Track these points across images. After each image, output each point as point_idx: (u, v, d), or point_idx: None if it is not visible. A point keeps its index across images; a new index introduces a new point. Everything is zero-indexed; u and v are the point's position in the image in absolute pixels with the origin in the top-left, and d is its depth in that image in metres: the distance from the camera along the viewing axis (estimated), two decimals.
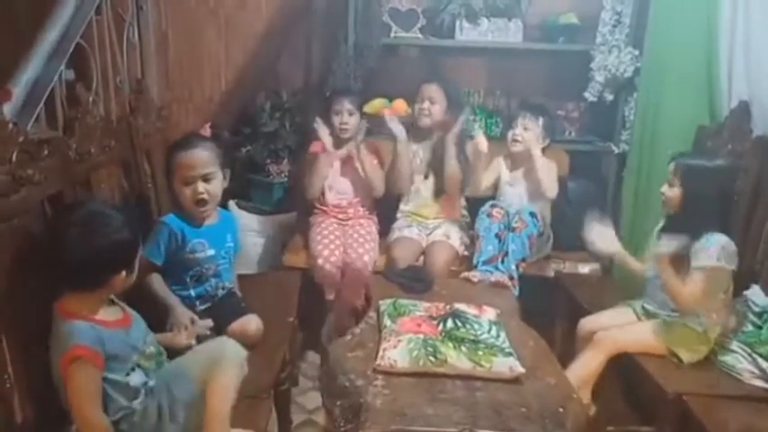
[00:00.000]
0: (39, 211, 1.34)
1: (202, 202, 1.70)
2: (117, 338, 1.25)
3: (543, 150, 2.49)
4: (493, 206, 2.46)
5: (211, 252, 1.76)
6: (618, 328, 1.87)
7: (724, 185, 1.81)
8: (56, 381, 1.22)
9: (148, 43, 2.73)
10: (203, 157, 1.69)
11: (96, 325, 1.23)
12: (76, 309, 1.22)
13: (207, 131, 2.14)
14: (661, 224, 1.95)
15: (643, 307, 1.96)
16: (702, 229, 1.75)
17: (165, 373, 1.35)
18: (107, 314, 1.27)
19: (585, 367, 1.85)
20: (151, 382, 1.31)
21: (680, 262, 1.77)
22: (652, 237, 1.95)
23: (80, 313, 1.22)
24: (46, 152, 1.34)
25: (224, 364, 1.36)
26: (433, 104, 2.52)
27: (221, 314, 1.73)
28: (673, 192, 1.83)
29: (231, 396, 1.34)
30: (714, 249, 1.72)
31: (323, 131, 2.48)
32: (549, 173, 2.44)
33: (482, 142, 2.40)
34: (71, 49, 2.09)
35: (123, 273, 1.26)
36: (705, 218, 1.77)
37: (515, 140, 2.48)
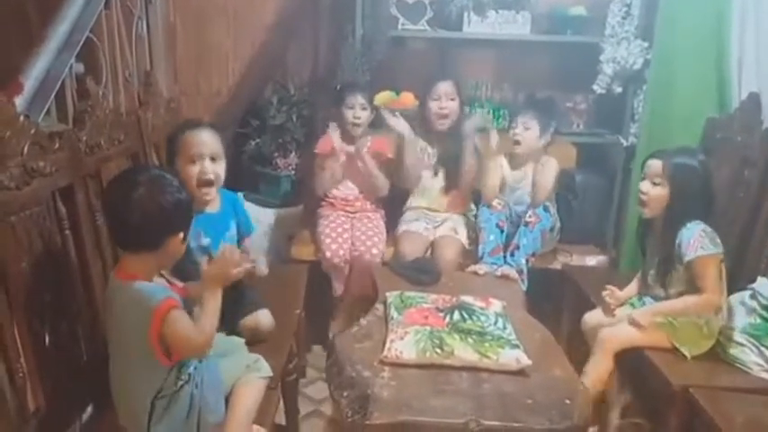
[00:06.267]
0: (49, 203, 1.36)
1: (208, 183, 1.67)
2: (179, 300, 1.29)
3: (546, 147, 2.49)
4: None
5: (206, 241, 1.70)
6: (620, 326, 1.86)
7: (708, 179, 1.83)
8: (119, 347, 1.28)
9: (157, 36, 2.74)
10: (211, 137, 1.69)
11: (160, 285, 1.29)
12: (139, 273, 1.26)
13: None
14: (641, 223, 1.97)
15: (642, 303, 1.94)
16: (686, 222, 1.78)
17: (202, 363, 1.36)
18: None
19: (596, 371, 1.85)
20: (192, 368, 1.32)
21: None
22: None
23: (144, 277, 1.26)
24: (57, 145, 1.35)
25: (255, 374, 1.44)
26: (453, 101, 2.52)
27: (232, 307, 1.69)
28: (657, 191, 1.83)
29: (255, 402, 1.42)
30: (693, 241, 1.74)
31: (335, 136, 2.50)
32: (547, 175, 2.43)
33: (493, 137, 2.44)
34: (81, 43, 2.10)
35: (181, 235, 1.29)
36: (690, 214, 1.79)
37: (516, 141, 2.46)
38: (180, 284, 1.39)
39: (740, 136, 2.09)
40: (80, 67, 2.15)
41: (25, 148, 1.23)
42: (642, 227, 1.98)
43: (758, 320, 1.75)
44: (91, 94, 1.67)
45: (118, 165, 1.67)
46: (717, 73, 2.28)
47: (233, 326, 1.66)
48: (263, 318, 1.75)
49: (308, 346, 2.49)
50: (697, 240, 1.74)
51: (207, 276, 1.35)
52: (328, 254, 2.38)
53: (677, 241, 1.77)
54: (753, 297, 1.78)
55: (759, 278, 1.83)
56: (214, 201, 1.74)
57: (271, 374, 1.49)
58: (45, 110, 1.94)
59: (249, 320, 1.72)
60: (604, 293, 1.97)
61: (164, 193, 1.26)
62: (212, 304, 1.31)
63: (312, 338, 2.50)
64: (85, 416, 1.41)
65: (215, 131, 1.71)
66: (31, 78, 1.92)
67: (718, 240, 1.77)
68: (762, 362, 1.70)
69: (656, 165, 1.84)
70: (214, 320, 1.30)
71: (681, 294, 1.82)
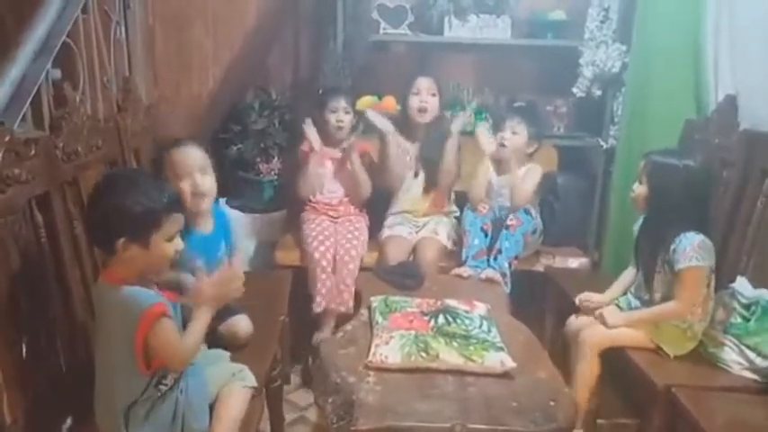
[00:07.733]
0: (25, 211, 1.33)
1: (200, 195, 1.66)
2: (170, 307, 1.28)
3: (532, 153, 2.51)
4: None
5: (199, 263, 1.61)
6: (600, 326, 1.87)
7: (693, 184, 1.78)
8: (103, 351, 1.27)
9: (135, 41, 2.71)
10: (196, 151, 1.68)
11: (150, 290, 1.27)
12: (124, 275, 1.24)
13: None
14: (639, 224, 1.97)
15: (629, 302, 1.96)
16: (676, 229, 1.76)
17: (188, 370, 1.35)
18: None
19: (584, 380, 1.85)
20: (176, 374, 1.31)
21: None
22: (634, 236, 1.98)
23: (131, 282, 1.24)
24: (33, 152, 1.32)
25: (240, 383, 1.43)
26: (434, 97, 2.52)
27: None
28: (639, 189, 1.85)
29: (240, 411, 1.40)
30: (689, 250, 1.72)
31: (311, 132, 2.49)
32: (529, 181, 2.45)
33: (487, 143, 2.46)
34: (57, 48, 2.07)
35: (136, 244, 1.22)
36: (675, 217, 1.77)
37: (502, 145, 2.47)
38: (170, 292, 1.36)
39: (717, 137, 2.12)
40: (57, 73, 2.12)
41: (0, 156, 1.20)
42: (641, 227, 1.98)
43: (738, 320, 1.76)
44: (68, 100, 1.63)
45: (96, 172, 1.64)
46: (694, 75, 2.31)
47: (212, 331, 1.63)
48: (241, 323, 1.72)
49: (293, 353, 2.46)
50: (694, 250, 1.72)
51: (204, 295, 1.33)
52: (317, 255, 2.36)
53: (672, 247, 1.75)
54: (732, 296, 1.80)
55: (738, 278, 1.85)
56: (207, 221, 1.72)
57: (256, 385, 1.48)
58: (21, 116, 1.91)
59: (227, 326, 1.70)
60: (582, 298, 1.97)
61: (117, 195, 1.22)
62: (201, 323, 1.30)
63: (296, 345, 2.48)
64: (65, 428, 1.38)
65: (199, 146, 1.71)
66: (5, 84, 1.89)
67: (713, 254, 1.76)
68: (742, 360, 1.72)
69: (640, 164, 1.87)
70: (199, 338, 1.29)
71: (665, 297, 1.82)
